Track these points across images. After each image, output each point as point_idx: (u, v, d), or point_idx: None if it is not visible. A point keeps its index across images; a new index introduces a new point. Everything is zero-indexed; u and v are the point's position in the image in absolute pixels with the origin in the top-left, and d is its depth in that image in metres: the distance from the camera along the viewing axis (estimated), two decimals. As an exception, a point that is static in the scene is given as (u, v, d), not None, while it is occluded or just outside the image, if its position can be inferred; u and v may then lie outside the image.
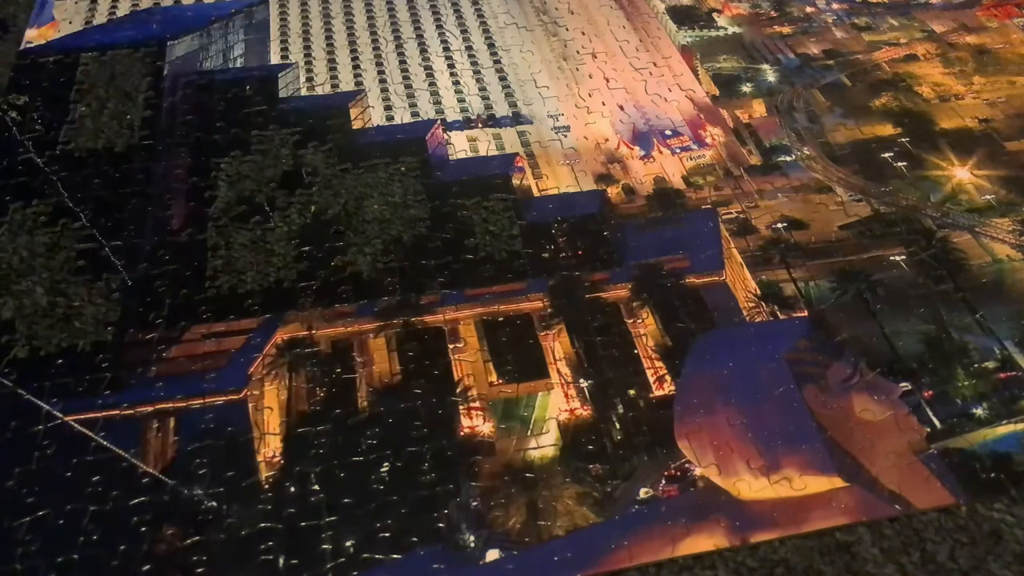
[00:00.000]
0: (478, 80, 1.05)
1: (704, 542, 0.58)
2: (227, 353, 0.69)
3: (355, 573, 0.56)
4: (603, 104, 0.98)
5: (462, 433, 0.64)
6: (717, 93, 1.01)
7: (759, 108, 1.00)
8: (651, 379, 0.67)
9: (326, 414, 0.66)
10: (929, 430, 0.64)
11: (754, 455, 0.63)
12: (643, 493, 0.60)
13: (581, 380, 0.67)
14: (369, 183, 0.90)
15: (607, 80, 1.02)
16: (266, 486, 0.61)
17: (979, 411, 0.65)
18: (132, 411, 0.64)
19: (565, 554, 0.58)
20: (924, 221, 0.82)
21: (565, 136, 0.93)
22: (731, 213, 0.82)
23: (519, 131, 0.96)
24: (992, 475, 0.62)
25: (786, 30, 1.16)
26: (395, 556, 0.57)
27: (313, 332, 0.69)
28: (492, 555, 0.57)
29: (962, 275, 0.77)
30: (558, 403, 0.66)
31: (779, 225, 0.81)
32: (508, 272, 0.75)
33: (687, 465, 0.62)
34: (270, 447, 0.62)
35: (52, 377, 0.66)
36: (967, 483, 0.61)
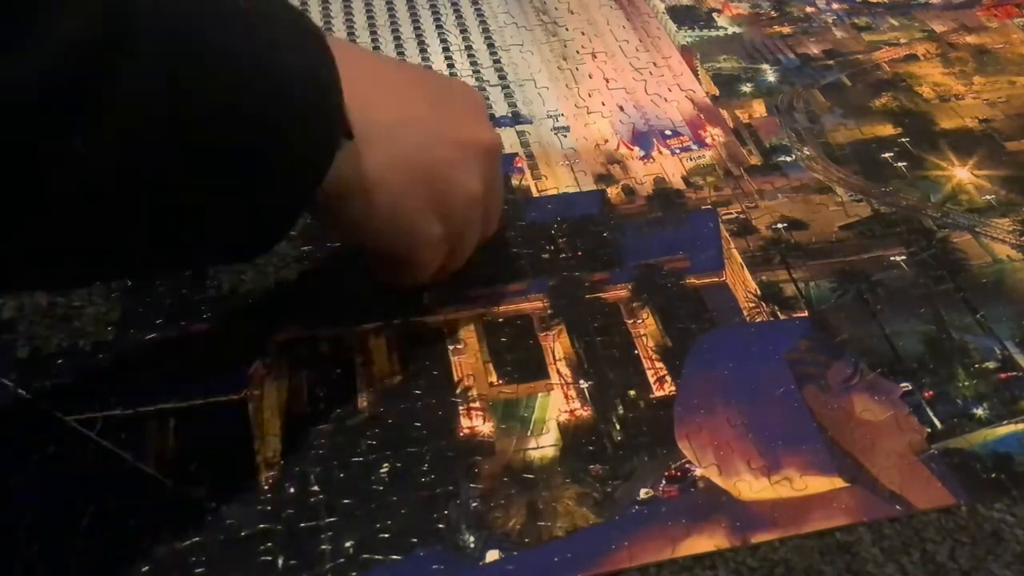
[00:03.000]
0: (478, 80, 1.04)
1: (704, 542, 0.58)
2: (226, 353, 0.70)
3: (354, 574, 0.56)
4: (603, 104, 0.97)
5: (462, 434, 0.64)
6: (717, 93, 1.00)
7: (759, 108, 0.99)
8: (651, 379, 0.67)
9: (326, 414, 0.66)
10: (929, 430, 0.63)
11: (755, 455, 0.64)
12: (643, 493, 0.60)
13: (581, 381, 0.68)
14: None
15: (607, 80, 1.01)
16: (265, 487, 0.61)
17: (979, 411, 0.66)
18: (132, 411, 0.64)
19: (565, 555, 0.58)
20: (924, 221, 0.81)
21: (565, 136, 0.92)
22: (731, 213, 0.82)
23: (518, 131, 0.95)
24: (992, 475, 0.61)
25: (786, 30, 1.15)
26: (395, 557, 0.57)
27: (313, 332, 0.70)
28: (492, 556, 0.57)
29: (962, 275, 0.77)
30: (558, 404, 0.66)
31: (779, 225, 0.81)
32: (508, 273, 0.76)
33: (687, 465, 0.62)
34: (269, 447, 0.62)
35: (52, 377, 0.66)
36: (967, 483, 0.61)
